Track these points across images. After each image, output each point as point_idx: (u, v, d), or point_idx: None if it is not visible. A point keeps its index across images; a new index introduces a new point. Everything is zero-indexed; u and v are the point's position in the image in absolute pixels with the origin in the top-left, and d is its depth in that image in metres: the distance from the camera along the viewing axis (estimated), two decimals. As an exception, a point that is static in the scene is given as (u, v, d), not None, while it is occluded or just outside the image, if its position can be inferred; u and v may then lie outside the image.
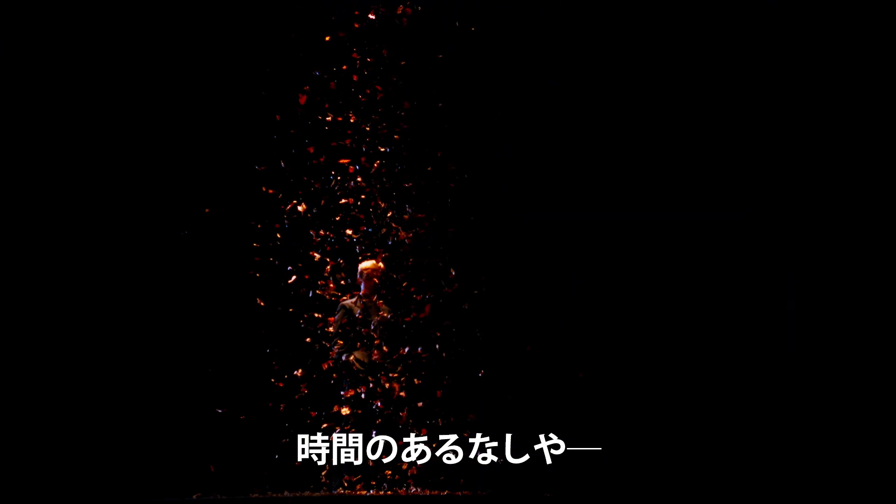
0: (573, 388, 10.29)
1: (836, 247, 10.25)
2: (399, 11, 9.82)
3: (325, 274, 9.72)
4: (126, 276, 10.24)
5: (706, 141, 10.51)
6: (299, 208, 9.75)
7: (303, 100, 9.77)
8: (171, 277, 10.26)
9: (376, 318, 9.58)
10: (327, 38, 9.85)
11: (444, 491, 9.10)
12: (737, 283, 10.37)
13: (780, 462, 10.02)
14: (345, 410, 9.29)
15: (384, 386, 9.39)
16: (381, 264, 9.68)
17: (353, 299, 9.65)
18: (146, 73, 10.32)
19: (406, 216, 9.77)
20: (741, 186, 10.44)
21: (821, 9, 10.32)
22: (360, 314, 9.56)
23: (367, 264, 9.68)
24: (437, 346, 9.68)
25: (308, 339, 9.71)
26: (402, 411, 9.32)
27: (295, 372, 9.58)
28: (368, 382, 9.40)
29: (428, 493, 9.05)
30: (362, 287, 9.66)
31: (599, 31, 10.53)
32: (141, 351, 10.16)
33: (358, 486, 9.12)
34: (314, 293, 9.70)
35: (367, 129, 9.78)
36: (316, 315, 9.72)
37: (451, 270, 9.86)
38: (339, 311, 9.61)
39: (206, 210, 10.14)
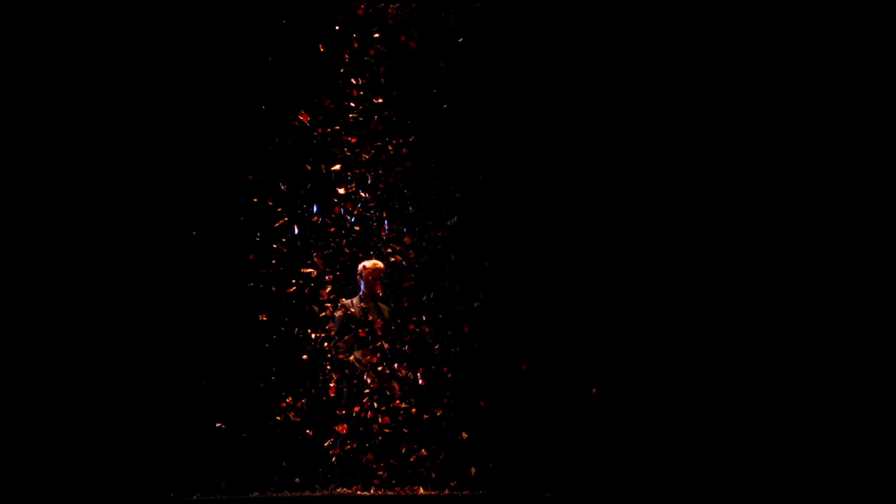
0: (573, 389, 10.30)
1: (835, 247, 10.27)
2: (403, 39, 9.78)
3: (325, 294, 9.66)
4: (133, 280, 10.27)
5: (706, 141, 10.51)
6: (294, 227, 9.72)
7: (306, 119, 9.72)
8: (177, 286, 10.29)
9: (377, 318, 9.56)
10: (321, 48, 9.80)
11: (444, 491, 9.09)
12: (737, 283, 10.38)
13: (779, 462, 10.03)
14: (342, 429, 9.26)
15: (387, 403, 9.35)
16: (381, 264, 9.65)
17: (353, 299, 9.63)
18: (146, 77, 10.31)
19: (407, 238, 9.74)
20: (741, 186, 10.44)
21: (820, 9, 10.33)
22: (359, 314, 9.54)
23: (367, 264, 9.64)
24: (443, 366, 9.66)
25: (305, 357, 9.66)
26: (404, 428, 9.29)
27: (288, 399, 9.54)
28: (365, 397, 9.36)
29: (428, 493, 9.06)
30: (362, 287, 9.63)
31: (599, 30, 10.53)
32: (140, 356, 10.19)
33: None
34: (311, 308, 9.66)
35: (367, 158, 9.74)
36: (314, 335, 9.66)
37: (453, 290, 9.84)
38: (338, 311, 9.57)
39: (206, 216, 10.13)
